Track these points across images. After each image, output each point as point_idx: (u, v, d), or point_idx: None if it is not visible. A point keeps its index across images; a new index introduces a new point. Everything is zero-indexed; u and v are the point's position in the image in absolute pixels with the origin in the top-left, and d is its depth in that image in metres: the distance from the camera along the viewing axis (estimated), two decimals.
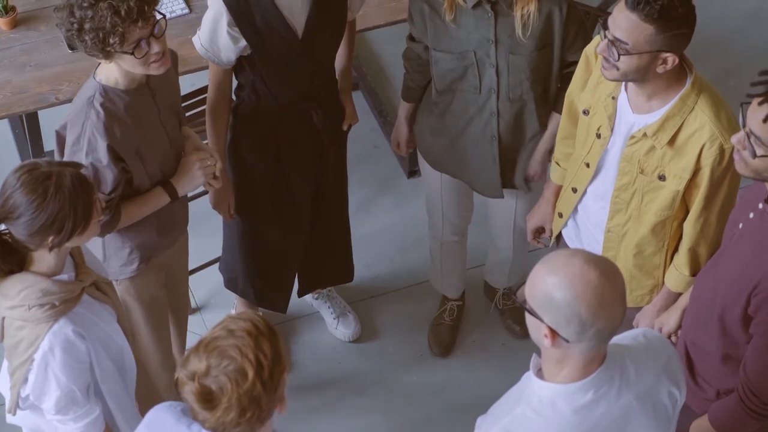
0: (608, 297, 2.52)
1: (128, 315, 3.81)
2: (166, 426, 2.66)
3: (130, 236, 3.68)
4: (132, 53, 3.31)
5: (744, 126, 2.93)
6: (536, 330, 2.60)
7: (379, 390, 4.58)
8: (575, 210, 3.70)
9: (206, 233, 4.59)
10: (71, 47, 4.43)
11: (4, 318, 3.14)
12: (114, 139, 3.42)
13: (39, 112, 4.42)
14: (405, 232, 5.03)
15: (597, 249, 3.65)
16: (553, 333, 2.56)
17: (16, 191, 2.97)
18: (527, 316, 2.61)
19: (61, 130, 3.49)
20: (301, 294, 4.53)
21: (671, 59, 3.23)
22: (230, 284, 4.43)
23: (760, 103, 2.87)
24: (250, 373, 2.46)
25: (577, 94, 3.63)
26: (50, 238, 3.01)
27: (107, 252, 3.70)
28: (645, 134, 3.35)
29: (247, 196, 4.12)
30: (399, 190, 5.20)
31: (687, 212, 3.47)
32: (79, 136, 3.42)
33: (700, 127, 3.30)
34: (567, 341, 2.56)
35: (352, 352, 4.69)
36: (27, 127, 4.55)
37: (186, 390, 2.49)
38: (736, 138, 2.96)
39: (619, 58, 3.22)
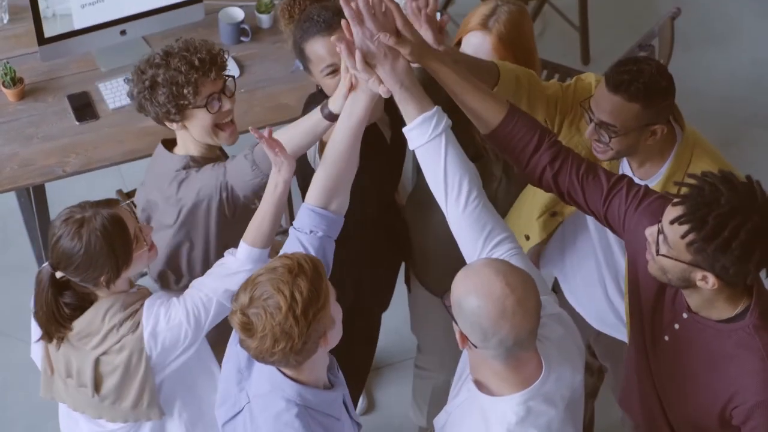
0: (509, 308, 2.62)
1: None
2: (230, 378, 2.93)
3: None
4: (205, 107, 3.38)
5: (659, 220, 2.88)
6: (456, 332, 2.75)
7: None
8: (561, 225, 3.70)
9: None
10: (79, 118, 4.42)
11: (97, 361, 3.24)
12: None
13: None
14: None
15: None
16: (463, 336, 2.69)
17: (59, 241, 3.15)
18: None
19: (146, 207, 3.60)
20: None
21: (660, 130, 3.21)
22: None
23: (673, 204, 2.82)
24: (284, 307, 2.67)
25: None
26: (102, 278, 3.19)
27: None
28: None
29: None
30: None
31: None
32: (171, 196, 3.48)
33: None
34: (475, 347, 2.69)
35: None
36: (34, 198, 4.53)
37: (234, 320, 2.73)
38: (649, 231, 2.90)
39: (610, 140, 3.20)
